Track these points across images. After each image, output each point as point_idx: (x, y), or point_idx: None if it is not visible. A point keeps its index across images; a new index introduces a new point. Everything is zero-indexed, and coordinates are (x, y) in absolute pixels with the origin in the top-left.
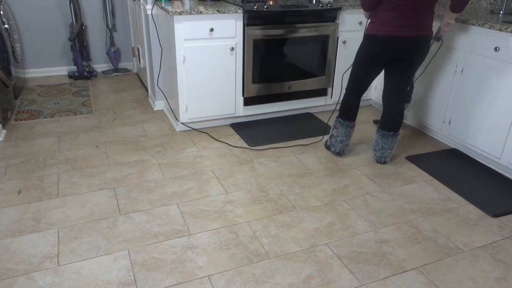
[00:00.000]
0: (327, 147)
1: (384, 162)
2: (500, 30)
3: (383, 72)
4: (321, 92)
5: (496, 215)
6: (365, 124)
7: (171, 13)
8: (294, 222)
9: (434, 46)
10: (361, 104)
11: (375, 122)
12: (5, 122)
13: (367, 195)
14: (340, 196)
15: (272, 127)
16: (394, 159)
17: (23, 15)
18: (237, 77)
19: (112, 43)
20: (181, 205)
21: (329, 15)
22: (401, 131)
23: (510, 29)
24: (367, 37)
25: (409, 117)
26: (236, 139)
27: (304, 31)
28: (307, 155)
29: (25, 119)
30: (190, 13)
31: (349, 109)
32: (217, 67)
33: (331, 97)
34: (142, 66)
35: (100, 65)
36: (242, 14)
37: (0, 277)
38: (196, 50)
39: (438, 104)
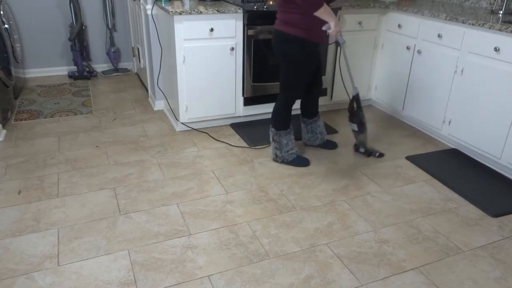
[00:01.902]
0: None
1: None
2: (500, 30)
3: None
4: (321, 92)
5: (496, 215)
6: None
7: (171, 13)
8: (294, 222)
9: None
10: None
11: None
12: (5, 122)
13: (367, 195)
14: (340, 196)
15: None
16: (394, 159)
17: (23, 15)
18: (237, 77)
19: (112, 43)
20: (181, 205)
21: None
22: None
23: (510, 29)
24: None
25: (409, 117)
26: (236, 139)
27: None
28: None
29: (25, 119)
30: (190, 13)
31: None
32: (217, 67)
33: (331, 97)
34: (142, 66)
35: (100, 65)
36: (242, 14)
37: (0, 277)
38: (196, 50)
39: (438, 104)
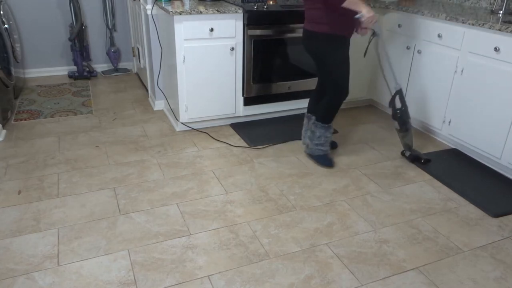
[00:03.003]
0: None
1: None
2: (500, 30)
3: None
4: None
5: (496, 215)
6: (366, 124)
7: (171, 13)
8: (294, 222)
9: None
10: (361, 104)
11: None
12: (5, 122)
13: (367, 195)
14: (340, 196)
15: (272, 127)
16: (394, 159)
17: (23, 15)
18: (237, 77)
19: (112, 43)
20: (181, 205)
21: None
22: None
23: (510, 29)
24: None
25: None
26: (236, 139)
27: None
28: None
29: (25, 119)
30: (190, 13)
31: None
32: (217, 67)
33: None
34: (142, 66)
35: (100, 65)
36: (242, 14)
37: (0, 277)
38: (196, 50)
39: (438, 104)
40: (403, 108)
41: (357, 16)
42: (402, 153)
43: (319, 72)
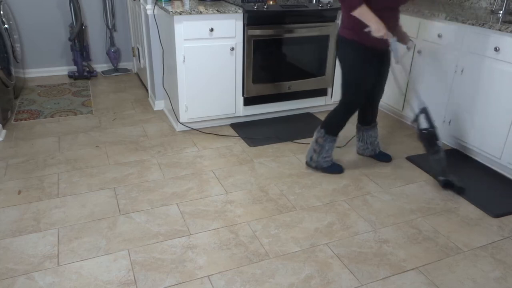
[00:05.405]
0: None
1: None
2: (500, 30)
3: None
4: (321, 92)
5: (496, 215)
6: None
7: (171, 13)
8: (294, 222)
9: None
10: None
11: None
12: (5, 122)
13: (367, 195)
14: (340, 196)
15: (272, 127)
16: (394, 159)
17: (23, 15)
18: (237, 77)
19: (112, 43)
20: (181, 205)
21: (329, 15)
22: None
23: (510, 29)
24: None
25: (409, 117)
26: (236, 139)
27: (304, 31)
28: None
29: (25, 119)
30: (190, 13)
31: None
32: (217, 67)
33: (331, 97)
34: (142, 66)
35: (100, 65)
36: (242, 14)
37: (0, 277)
38: (196, 50)
39: (438, 104)
40: (430, 129)
41: (367, 29)
42: (435, 177)
43: (342, 78)
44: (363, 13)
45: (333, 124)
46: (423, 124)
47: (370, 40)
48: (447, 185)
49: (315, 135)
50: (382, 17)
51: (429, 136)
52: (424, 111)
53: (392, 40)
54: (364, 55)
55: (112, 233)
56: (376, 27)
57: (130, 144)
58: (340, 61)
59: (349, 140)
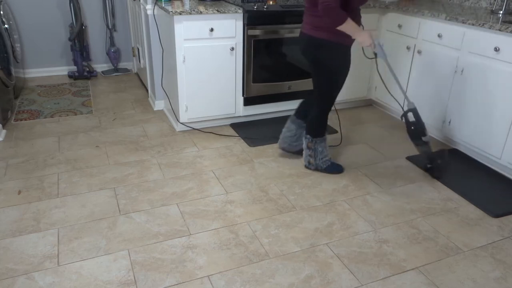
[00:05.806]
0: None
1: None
2: (500, 30)
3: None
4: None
5: (496, 215)
6: (366, 124)
7: (171, 13)
8: (294, 222)
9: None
10: (361, 104)
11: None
12: (5, 122)
13: (367, 195)
14: (340, 196)
15: (272, 127)
16: (394, 159)
17: (23, 15)
18: (237, 77)
19: (112, 43)
20: (181, 205)
21: None
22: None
23: (510, 29)
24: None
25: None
26: (236, 139)
27: None
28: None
29: (25, 119)
30: (190, 13)
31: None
32: (217, 67)
33: None
34: (142, 66)
35: (100, 65)
36: (242, 14)
37: (0, 277)
38: (196, 50)
39: (438, 104)
40: (417, 126)
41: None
42: (425, 167)
43: (313, 79)
44: (348, 27)
45: (316, 127)
46: (411, 120)
47: (349, 39)
48: (429, 170)
49: (304, 142)
50: (354, 18)
51: (416, 131)
52: (412, 111)
53: (377, 42)
54: (346, 54)
55: (112, 233)
56: (362, 39)
57: (130, 144)
58: (316, 63)
59: (342, 139)
